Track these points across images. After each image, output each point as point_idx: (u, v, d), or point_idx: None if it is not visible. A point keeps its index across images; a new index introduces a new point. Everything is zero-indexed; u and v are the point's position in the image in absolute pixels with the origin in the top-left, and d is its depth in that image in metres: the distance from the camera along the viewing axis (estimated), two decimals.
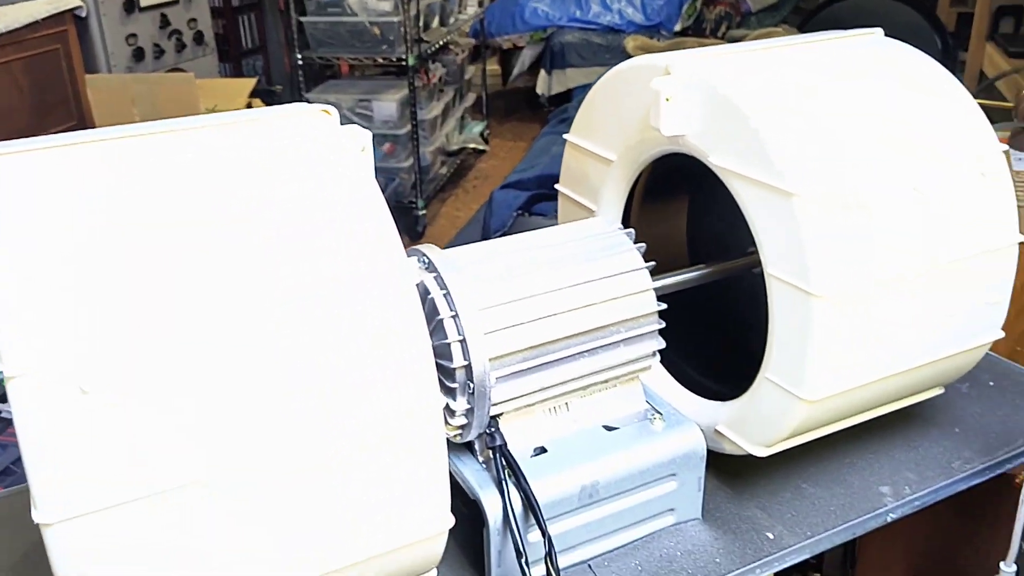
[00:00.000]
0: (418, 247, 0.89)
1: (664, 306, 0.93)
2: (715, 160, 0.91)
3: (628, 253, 0.94)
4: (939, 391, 1.04)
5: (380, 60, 3.78)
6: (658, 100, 0.93)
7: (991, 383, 1.19)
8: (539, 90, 5.25)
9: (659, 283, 0.96)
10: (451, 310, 0.83)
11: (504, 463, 0.86)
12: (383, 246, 0.68)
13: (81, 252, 0.61)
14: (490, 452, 0.87)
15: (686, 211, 1.23)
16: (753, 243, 0.99)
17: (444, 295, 0.84)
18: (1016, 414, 1.13)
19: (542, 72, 5.22)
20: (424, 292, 0.85)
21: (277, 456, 0.64)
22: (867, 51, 1.00)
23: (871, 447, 1.07)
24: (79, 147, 0.70)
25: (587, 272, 0.91)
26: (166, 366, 0.60)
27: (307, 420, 0.64)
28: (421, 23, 3.85)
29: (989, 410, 1.14)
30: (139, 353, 0.60)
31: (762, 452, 0.93)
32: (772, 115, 0.86)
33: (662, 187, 1.15)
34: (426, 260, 0.87)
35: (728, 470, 1.02)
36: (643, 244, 0.95)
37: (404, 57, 3.67)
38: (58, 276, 0.60)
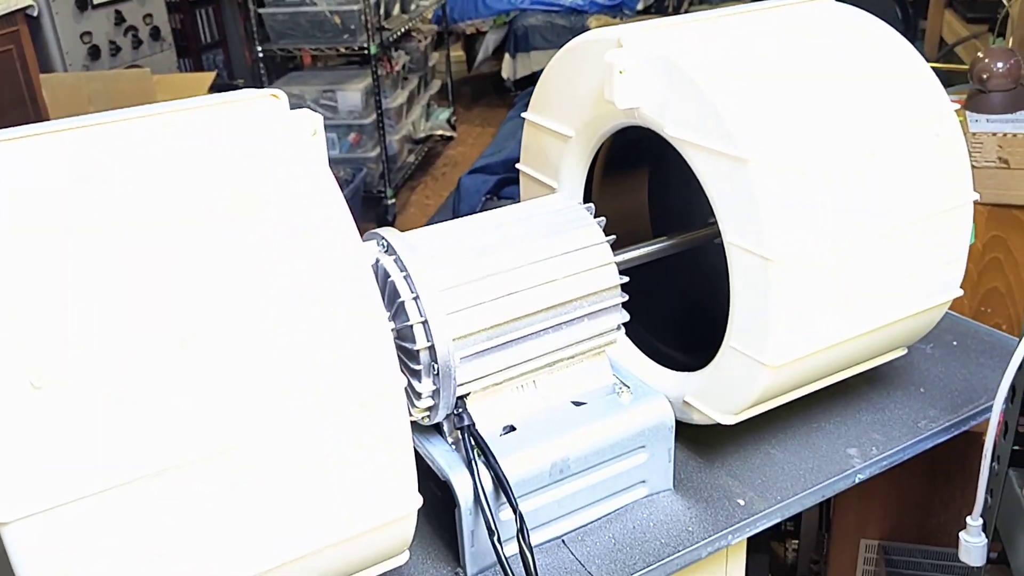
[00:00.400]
0: (377, 231, 0.88)
1: (626, 279, 0.94)
2: (670, 131, 0.91)
3: (588, 228, 0.94)
4: (902, 352, 1.05)
5: (342, 50, 3.74)
6: (612, 73, 0.93)
7: (954, 343, 1.21)
8: (504, 74, 5.24)
9: (621, 257, 0.97)
10: (412, 292, 0.83)
11: (473, 443, 0.86)
12: (336, 229, 0.68)
13: (28, 244, 0.60)
14: (459, 432, 0.87)
15: (647, 184, 1.23)
16: (713, 213, 0.99)
17: (404, 277, 0.84)
18: (979, 372, 1.14)
19: (507, 56, 5.20)
20: (384, 275, 0.85)
21: (238, 443, 0.63)
22: (818, 17, 1.00)
23: (838, 410, 1.08)
24: (24, 140, 0.69)
25: (548, 248, 0.91)
26: (118, 358, 0.59)
27: (267, 406, 0.64)
28: (382, 11, 3.81)
29: (953, 370, 1.15)
30: (90, 346, 0.59)
31: (730, 420, 0.94)
32: (724, 83, 0.86)
33: (621, 161, 1.15)
34: (385, 243, 0.86)
35: (698, 440, 1.03)
36: (603, 218, 0.95)
37: (366, 46, 3.63)
38: (4, 270, 0.59)
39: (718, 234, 1.05)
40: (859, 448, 1.02)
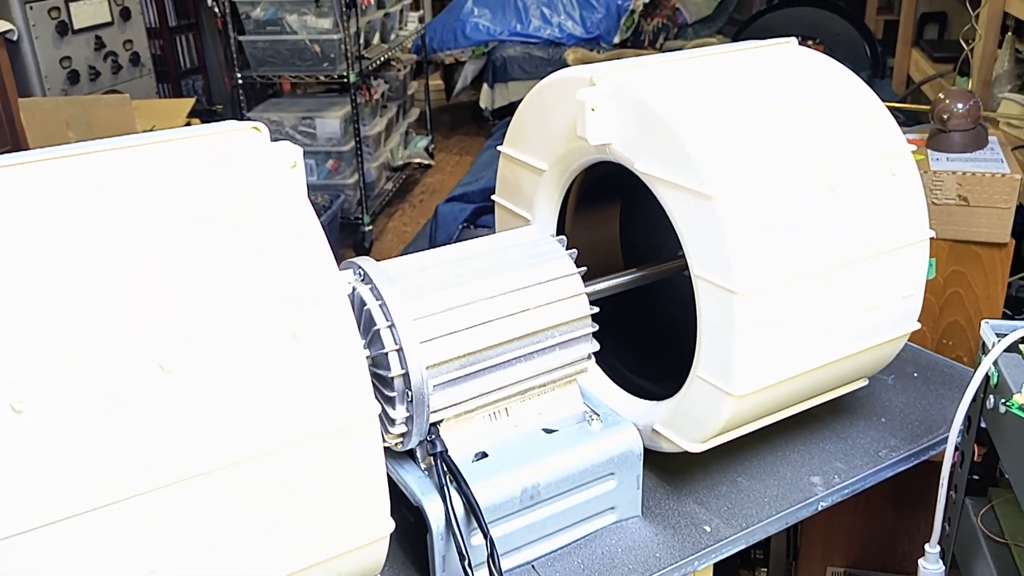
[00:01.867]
0: (354, 260, 0.90)
1: (596, 309, 0.96)
2: (640, 167, 0.94)
3: (560, 259, 0.96)
4: (863, 383, 1.08)
5: (322, 78, 3.77)
6: (583, 110, 0.96)
7: (915, 374, 1.24)
8: (483, 104, 5.28)
9: (592, 288, 0.99)
10: (387, 320, 0.85)
11: (445, 469, 0.88)
12: (314, 259, 0.70)
13: (6, 273, 0.61)
14: (431, 459, 0.89)
15: (618, 217, 1.26)
16: (681, 246, 1.02)
17: (380, 306, 0.86)
18: (939, 403, 1.18)
19: (485, 86, 5.25)
20: (360, 303, 0.87)
21: (214, 467, 0.65)
22: (782, 59, 1.04)
23: (802, 439, 1.11)
24: (5, 169, 0.70)
25: (520, 279, 0.93)
26: (99, 382, 0.61)
27: (243, 431, 0.65)
28: (362, 40, 3.85)
29: (913, 400, 1.18)
30: (71, 371, 0.60)
31: (697, 448, 0.96)
32: (692, 122, 0.90)
33: (594, 195, 1.18)
34: (362, 272, 0.88)
35: (666, 467, 1.05)
36: (575, 250, 0.97)
37: (345, 74, 3.66)
38: None
39: (686, 267, 1.09)
40: (822, 476, 1.05)
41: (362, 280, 0.88)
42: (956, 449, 0.93)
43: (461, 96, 5.62)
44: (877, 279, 0.95)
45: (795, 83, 1.00)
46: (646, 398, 1.06)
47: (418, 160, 4.67)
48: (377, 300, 0.86)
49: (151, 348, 0.63)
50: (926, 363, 1.27)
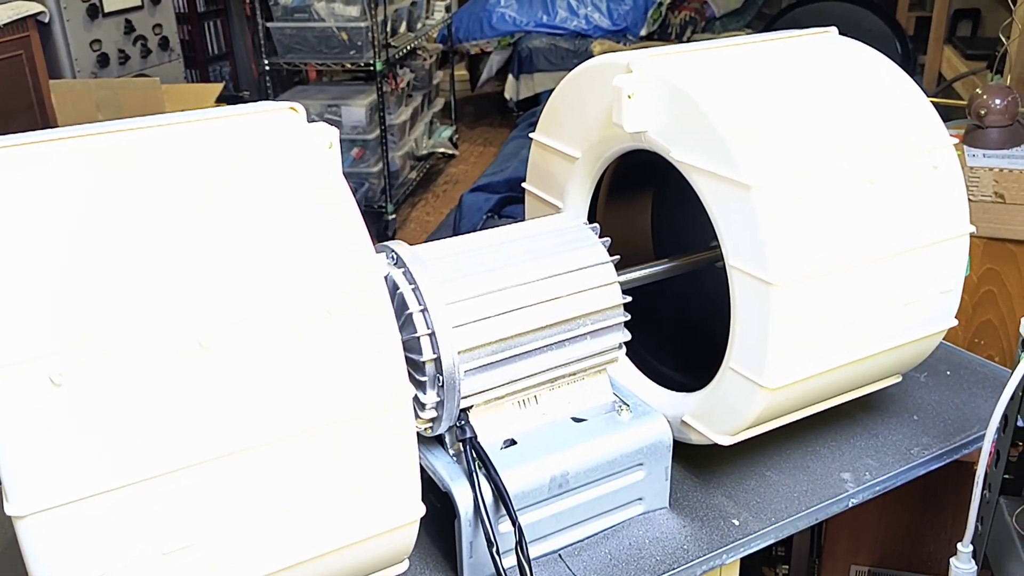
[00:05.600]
0: (387, 243, 0.90)
1: (629, 299, 0.95)
2: (676, 155, 0.93)
3: (594, 247, 0.96)
4: (897, 379, 1.07)
5: (348, 65, 3.78)
6: (620, 97, 0.95)
7: (948, 373, 1.23)
8: (507, 95, 5.27)
9: (624, 277, 0.98)
10: (420, 304, 0.85)
11: (474, 455, 0.88)
12: (352, 241, 0.70)
13: (51, 246, 0.62)
14: (460, 445, 0.89)
15: (650, 207, 1.25)
16: (715, 237, 1.01)
17: (413, 290, 0.85)
18: (972, 402, 1.16)
19: (510, 77, 5.24)
20: (393, 287, 0.86)
21: (248, 447, 0.65)
22: (822, 49, 1.03)
23: (832, 435, 1.10)
24: (47, 144, 0.70)
25: (553, 266, 0.92)
26: (137, 357, 0.61)
27: (278, 410, 0.65)
28: (389, 28, 3.85)
29: (946, 399, 1.17)
30: (110, 344, 0.60)
31: (726, 441, 0.96)
32: (729, 110, 0.89)
33: (626, 183, 1.17)
34: (395, 256, 0.88)
35: (694, 459, 1.04)
36: (608, 239, 0.97)
37: (372, 62, 3.67)
38: (26, 270, 0.60)
39: (719, 258, 1.07)
40: (853, 472, 1.04)
41: (395, 264, 0.88)
42: (992, 448, 0.92)
43: (486, 87, 5.61)
44: (915, 274, 0.93)
45: (835, 73, 0.98)
46: (674, 389, 1.05)
47: (442, 150, 4.67)
48: (410, 284, 0.86)
49: (190, 324, 0.63)
50: (959, 361, 1.25)
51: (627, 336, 0.96)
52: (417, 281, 0.85)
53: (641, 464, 0.95)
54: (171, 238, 0.65)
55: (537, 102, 4.98)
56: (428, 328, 0.84)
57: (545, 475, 0.90)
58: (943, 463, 1.06)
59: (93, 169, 0.68)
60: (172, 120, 0.76)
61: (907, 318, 0.95)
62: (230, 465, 0.65)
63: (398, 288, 0.86)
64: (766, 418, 0.94)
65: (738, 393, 0.92)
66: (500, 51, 5.33)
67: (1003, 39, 2.76)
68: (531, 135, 1.18)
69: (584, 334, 0.93)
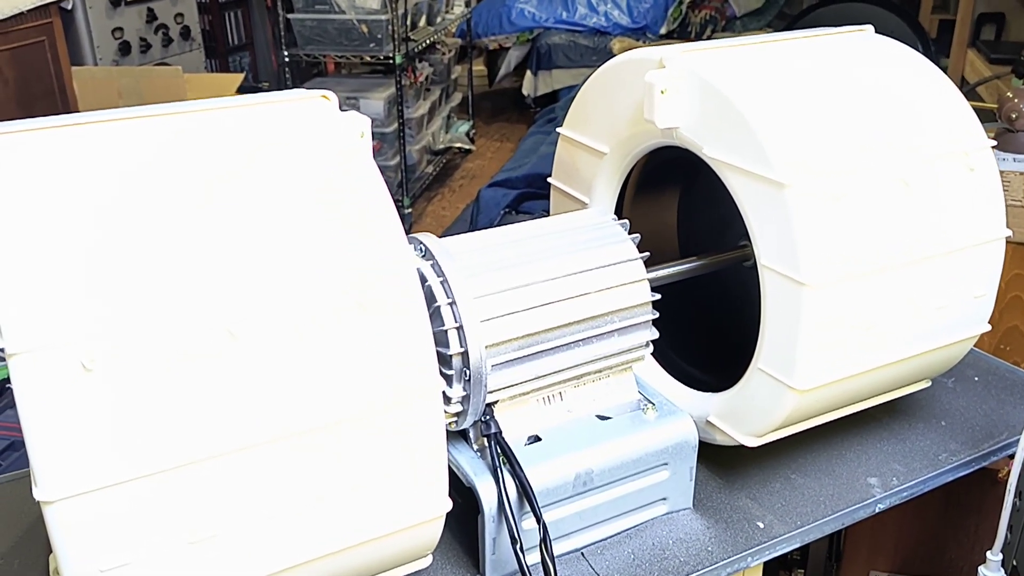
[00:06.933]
0: (415, 235, 0.89)
1: (658, 296, 0.94)
2: (709, 152, 0.92)
3: (623, 244, 0.95)
4: (926, 384, 1.05)
5: (367, 58, 3.78)
6: (652, 93, 0.94)
7: (976, 378, 1.21)
8: (525, 91, 5.26)
9: (652, 274, 0.97)
10: (448, 297, 0.84)
11: (499, 451, 0.87)
12: (386, 231, 0.69)
13: (82, 230, 0.61)
14: (485, 440, 0.88)
15: (677, 204, 1.24)
16: (744, 236, 1.00)
17: (441, 282, 0.84)
18: (1000, 409, 1.14)
19: (528, 73, 5.23)
20: (421, 279, 0.85)
21: (276, 436, 0.64)
22: (858, 47, 1.01)
23: (859, 439, 1.09)
24: (75, 128, 0.70)
25: (582, 262, 0.91)
26: (168, 345, 0.60)
27: (307, 401, 0.65)
28: (408, 22, 3.85)
29: (974, 405, 1.15)
30: (141, 331, 0.60)
31: (753, 442, 0.94)
32: (764, 107, 0.87)
33: (654, 180, 1.16)
34: (423, 248, 0.87)
35: (719, 460, 1.03)
36: (638, 235, 0.96)
37: (391, 56, 3.67)
38: (59, 254, 0.60)
39: (749, 257, 1.06)
40: (879, 477, 1.02)
41: (423, 256, 0.87)
42: None
43: (504, 82, 5.60)
44: (949, 277, 0.92)
45: (871, 71, 0.97)
46: (699, 389, 1.04)
47: (459, 145, 4.67)
48: (439, 277, 0.85)
49: (220, 313, 0.62)
50: (987, 367, 1.23)
51: (655, 334, 0.95)
52: (446, 274, 0.85)
53: (666, 464, 0.94)
54: (203, 225, 0.64)
55: (555, 99, 4.97)
56: (456, 322, 0.83)
57: (570, 472, 0.89)
58: (971, 470, 1.05)
59: (121, 156, 0.67)
60: (204, 107, 0.75)
61: (940, 322, 0.94)
62: (257, 456, 0.64)
63: (426, 281, 0.85)
64: (794, 420, 0.93)
65: (766, 394, 0.91)
66: (519, 47, 5.32)
67: None
68: (558, 130, 1.17)
69: (612, 331, 0.92)
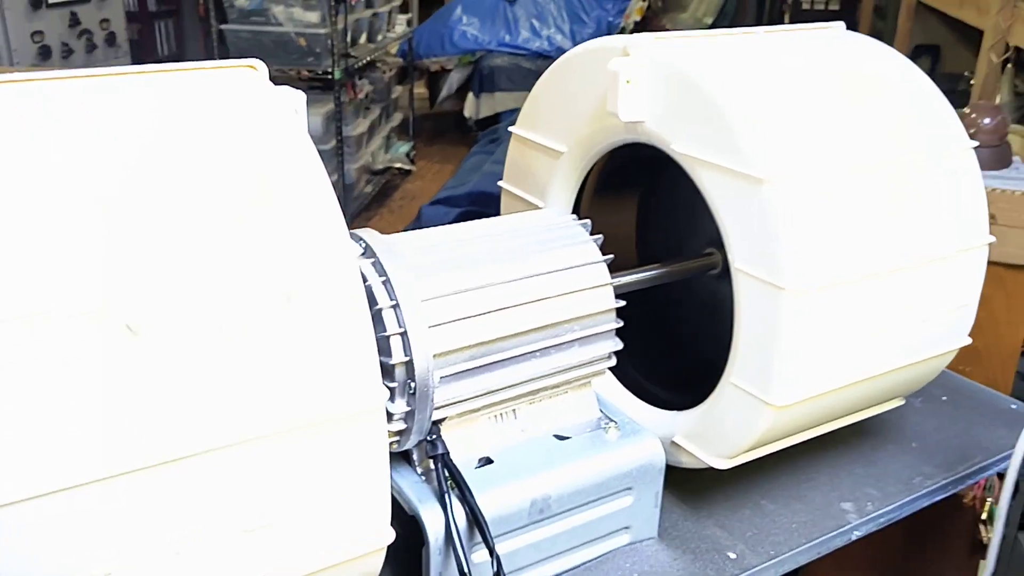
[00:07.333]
0: (355, 231, 0.79)
1: (623, 303, 0.86)
2: (677, 147, 0.84)
3: (585, 245, 0.86)
4: (900, 402, 0.99)
5: (305, 72, 3.66)
6: (616, 83, 0.86)
7: (944, 398, 1.16)
8: (467, 113, 5.20)
9: (618, 280, 0.89)
10: (391, 299, 0.74)
11: (447, 474, 0.77)
12: (322, 214, 0.59)
13: None
14: (431, 462, 0.78)
15: (636, 210, 1.16)
16: (711, 243, 0.93)
17: (384, 283, 0.75)
18: (971, 430, 1.09)
19: (470, 95, 5.17)
20: (361, 279, 0.76)
21: (183, 454, 0.53)
22: (833, 42, 0.96)
23: (829, 462, 1.02)
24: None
25: (540, 264, 0.83)
26: (52, 338, 0.49)
27: (220, 412, 0.54)
28: (349, 38, 3.75)
29: (945, 425, 1.10)
30: (27, 320, 0.49)
31: (723, 464, 0.87)
32: (739, 98, 0.81)
33: (612, 183, 1.09)
34: (363, 244, 0.78)
35: (682, 485, 0.95)
36: (601, 235, 0.88)
37: (331, 70, 3.56)
38: None
39: (716, 264, 0.99)
40: (854, 503, 0.95)
41: (363, 254, 0.78)
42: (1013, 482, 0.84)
43: (445, 105, 5.53)
44: (932, 285, 0.86)
45: (848, 66, 0.91)
46: (657, 406, 0.97)
47: (399, 165, 4.57)
48: (380, 276, 0.75)
49: (118, 303, 0.51)
50: (955, 386, 1.18)
51: (619, 345, 0.87)
52: (388, 273, 0.75)
53: (630, 488, 0.85)
54: (103, 198, 0.53)
55: (497, 121, 4.91)
56: (400, 327, 0.74)
57: (525, 498, 0.80)
58: (948, 494, 0.99)
59: (24, 120, 0.56)
60: (120, 71, 0.65)
61: (922, 334, 0.87)
62: (164, 477, 0.53)
63: (367, 280, 0.75)
64: (769, 439, 0.85)
65: (739, 411, 0.83)
66: (460, 69, 5.26)
67: (964, 76, 2.76)
68: (510, 128, 1.09)
69: (572, 341, 0.84)
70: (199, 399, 0.53)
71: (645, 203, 1.16)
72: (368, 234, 0.79)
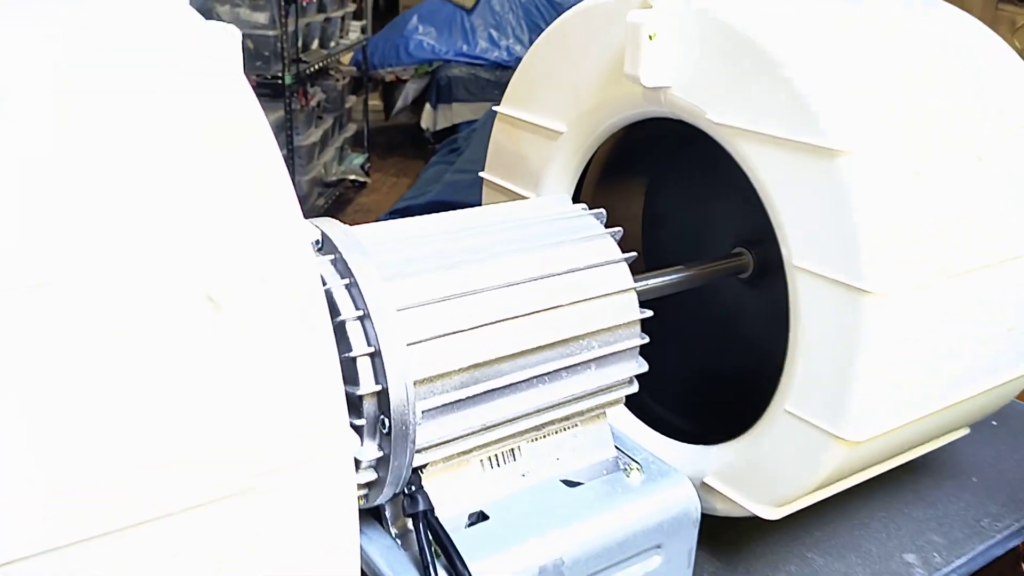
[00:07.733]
0: (312, 219, 0.60)
1: (649, 313, 0.69)
2: (715, 117, 0.68)
3: (600, 240, 0.69)
4: (966, 431, 0.83)
5: (253, 77, 3.45)
6: (637, 39, 0.70)
7: (994, 423, 1.01)
8: (424, 124, 5.02)
9: (641, 285, 0.72)
10: (358, 308, 0.56)
11: (430, 537, 0.58)
12: (264, 190, 0.41)
13: None
14: (409, 521, 0.60)
15: (643, 203, 0.99)
16: (740, 241, 0.77)
17: (347, 286, 0.56)
18: None
19: (427, 106, 4.99)
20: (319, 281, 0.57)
21: (115, 513, 0.34)
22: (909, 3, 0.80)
23: (882, 505, 0.86)
24: None
25: (548, 263, 0.65)
26: None
27: (125, 463, 0.35)
28: (300, 43, 3.55)
29: (1004, 454, 0.95)
30: None
31: (773, 514, 0.70)
32: (803, 54, 0.64)
33: (618, 170, 0.92)
34: (321, 236, 0.59)
35: (714, 536, 0.78)
36: (620, 228, 0.70)
37: (281, 75, 3.36)
38: None
39: (746, 267, 0.83)
40: (917, 554, 0.79)
41: (319, 249, 0.59)
42: None
43: (400, 117, 5.35)
44: (1021, 287, 0.70)
45: (929, 30, 0.75)
46: (678, 439, 0.80)
47: (353, 177, 4.37)
48: (343, 278, 0.57)
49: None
50: (1005, 410, 1.03)
51: (644, 367, 0.69)
52: (355, 274, 0.56)
53: (659, 546, 0.68)
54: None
55: (455, 132, 4.74)
56: (370, 345, 0.55)
57: (532, 565, 0.61)
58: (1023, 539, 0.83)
59: None
60: None
61: (1009, 347, 0.71)
62: (101, 531, 0.34)
63: (325, 283, 0.56)
64: (833, 481, 0.69)
65: (796, 447, 0.66)
66: (417, 79, 5.09)
67: None
68: (495, 108, 0.91)
69: (589, 361, 0.66)
70: (148, 466, 0.34)
71: (654, 195, 0.98)
72: (328, 224, 0.60)
